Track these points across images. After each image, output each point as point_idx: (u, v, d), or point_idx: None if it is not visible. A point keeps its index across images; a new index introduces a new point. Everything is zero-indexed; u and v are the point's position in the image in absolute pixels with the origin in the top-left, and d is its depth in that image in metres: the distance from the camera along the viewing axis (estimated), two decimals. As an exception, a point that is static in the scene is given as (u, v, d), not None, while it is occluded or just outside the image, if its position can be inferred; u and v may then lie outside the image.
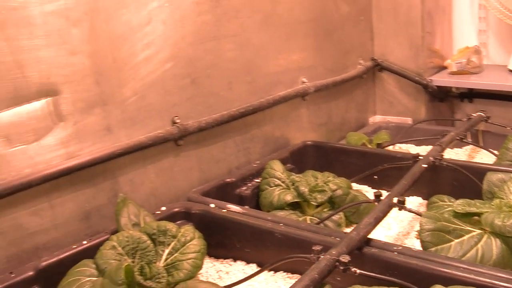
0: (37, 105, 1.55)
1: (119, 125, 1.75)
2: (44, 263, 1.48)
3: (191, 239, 1.50)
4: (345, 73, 2.72)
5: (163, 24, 1.83)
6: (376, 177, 2.15)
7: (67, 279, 1.39)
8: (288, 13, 2.32)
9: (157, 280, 1.38)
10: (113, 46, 1.71)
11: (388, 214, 1.58)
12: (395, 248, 1.39)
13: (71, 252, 1.53)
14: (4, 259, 1.51)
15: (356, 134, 2.59)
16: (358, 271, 1.24)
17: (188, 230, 1.52)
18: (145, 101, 1.81)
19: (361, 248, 1.39)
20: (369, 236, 1.45)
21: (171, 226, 1.52)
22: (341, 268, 1.24)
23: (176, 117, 1.90)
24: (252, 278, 1.52)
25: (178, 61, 1.90)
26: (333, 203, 1.89)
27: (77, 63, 1.62)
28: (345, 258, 1.24)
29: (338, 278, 1.38)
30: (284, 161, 2.14)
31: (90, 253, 1.47)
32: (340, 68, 2.70)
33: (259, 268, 1.56)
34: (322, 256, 1.27)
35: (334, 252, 1.27)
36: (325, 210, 1.90)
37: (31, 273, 1.44)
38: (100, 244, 1.47)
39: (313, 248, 1.29)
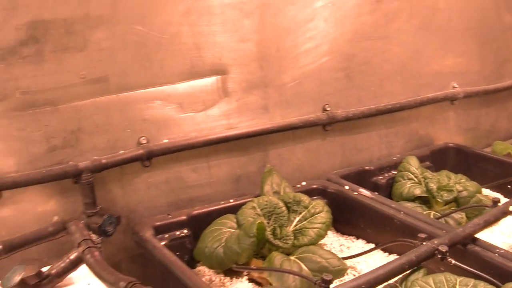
0: (208, 81, 1.85)
1: (275, 106, 2.01)
2: (195, 212, 1.79)
3: (320, 212, 1.72)
4: (500, 82, 2.78)
5: (325, 22, 2.06)
6: (510, 186, 2.24)
7: (211, 227, 1.68)
8: (447, 21, 2.45)
9: (284, 241, 1.63)
10: (278, 37, 1.96)
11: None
12: (497, 250, 1.52)
13: (218, 206, 1.83)
14: (165, 203, 1.85)
15: (502, 144, 2.66)
16: (453, 261, 1.41)
17: (318, 204, 1.75)
18: (301, 88, 2.06)
19: (466, 245, 1.54)
20: (480, 237, 1.58)
21: (305, 198, 1.76)
22: (439, 256, 1.41)
23: (327, 105, 2.13)
24: (368, 256, 1.73)
25: (335, 56, 2.11)
26: (459, 203, 2.03)
27: (246, 49, 1.90)
28: (444, 248, 1.41)
29: (442, 268, 1.52)
30: (423, 159, 2.31)
31: (234, 210, 1.75)
32: (495, 77, 2.77)
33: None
34: (424, 243, 1.45)
35: (435, 242, 1.45)
36: (452, 208, 2.04)
37: (184, 217, 1.76)
38: (244, 204, 1.74)
39: (419, 235, 1.48)
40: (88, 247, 1.36)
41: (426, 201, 2.08)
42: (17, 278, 1.32)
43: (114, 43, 1.67)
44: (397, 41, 2.29)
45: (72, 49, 1.61)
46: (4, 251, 1.47)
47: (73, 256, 1.38)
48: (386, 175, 2.22)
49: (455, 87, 2.56)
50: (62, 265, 1.38)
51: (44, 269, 1.38)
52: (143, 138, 1.77)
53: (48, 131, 1.62)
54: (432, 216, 1.92)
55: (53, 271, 1.37)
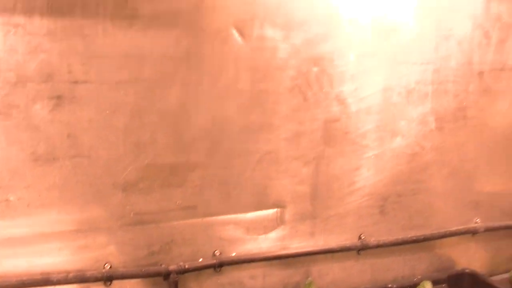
0: (269, 212, 2.46)
1: (320, 233, 2.59)
2: (248, 313, 2.39)
3: (340, 326, 2.29)
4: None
5: (367, 170, 2.63)
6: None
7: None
8: (473, 169, 2.95)
9: None
10: (328, 181, 2.55)
11: None
12: None
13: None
14: (226, 303, 2.46)
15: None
16: None
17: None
18: (342, 221, 2.62)
19: None
20: None
21: (331, 313, 2.33)
22: None
23: (362, 234, 2.68)
24: None
25: (373, 196, 2.67)
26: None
27: (301, 190, 2.49)
28: None
29: None
30: (440, 282, 2.82)
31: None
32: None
33: None
34: None
35: None
36: (453, 330, 2.55)
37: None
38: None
39: None
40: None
41: (430, 322, 2.59)
42: None
43: (204, 182, 2.30)
44: (427, 185, 2.80)
45: (173, 185, 2.25)
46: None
47: None
48: (405, 293, 2.75)
49: (477, 222, 3.02)
50: None
51: None
52: (217, 251, 2.38)
53: (150, 241, 2.27)
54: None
55: None
